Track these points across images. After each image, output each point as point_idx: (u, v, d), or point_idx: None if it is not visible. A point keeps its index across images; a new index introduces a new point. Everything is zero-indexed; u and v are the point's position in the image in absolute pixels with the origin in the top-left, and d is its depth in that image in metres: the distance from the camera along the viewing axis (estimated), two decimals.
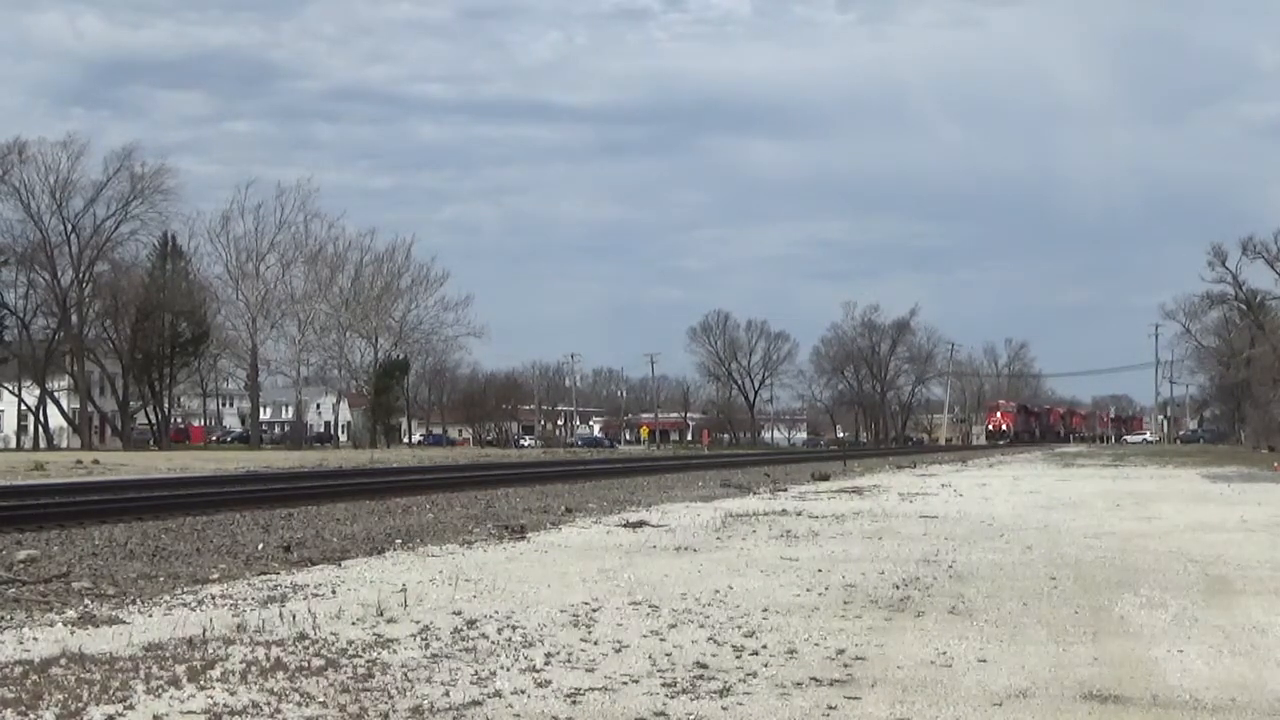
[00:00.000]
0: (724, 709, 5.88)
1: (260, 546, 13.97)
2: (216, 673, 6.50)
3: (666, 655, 7.08)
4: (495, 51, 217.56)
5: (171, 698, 6.00)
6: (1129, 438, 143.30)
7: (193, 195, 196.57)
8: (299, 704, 5.90)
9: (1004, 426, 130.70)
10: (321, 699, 5.99)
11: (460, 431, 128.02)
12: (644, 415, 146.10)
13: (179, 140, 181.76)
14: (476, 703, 5.94)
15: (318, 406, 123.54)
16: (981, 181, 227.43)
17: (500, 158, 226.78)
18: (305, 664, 6.77)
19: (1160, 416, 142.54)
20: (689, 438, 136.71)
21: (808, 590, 9.73)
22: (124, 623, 8.15)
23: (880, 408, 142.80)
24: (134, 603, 9.18)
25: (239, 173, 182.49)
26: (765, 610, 8.68)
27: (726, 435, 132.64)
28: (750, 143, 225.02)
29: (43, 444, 78.56)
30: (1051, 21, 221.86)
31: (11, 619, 8.49)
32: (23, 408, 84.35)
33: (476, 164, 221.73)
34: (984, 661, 6.97)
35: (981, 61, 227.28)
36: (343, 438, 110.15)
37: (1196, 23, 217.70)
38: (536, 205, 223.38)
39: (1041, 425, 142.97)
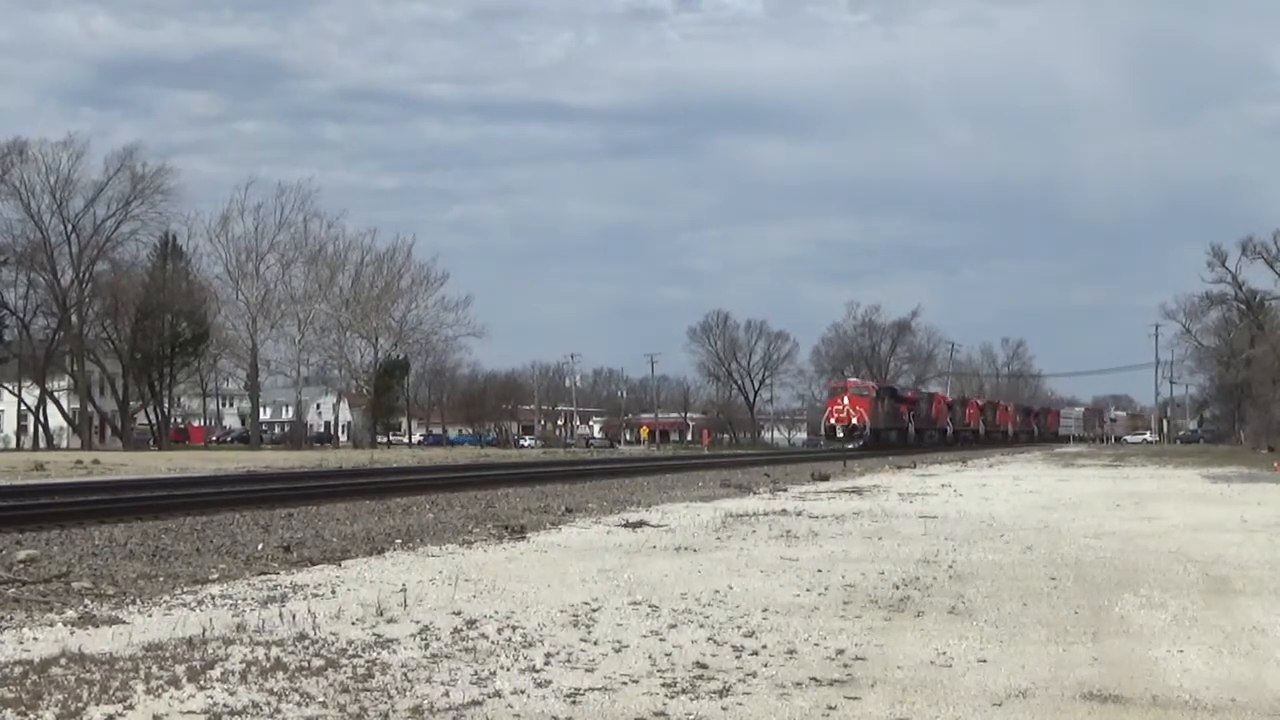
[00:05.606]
0: (724, 709, 5.88)
1: (260, 546, 13.96)
2: (216, 673, 6.50)
3: (666, 655, 7.08)
4: (506, 52, 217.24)
5: (171, 698, 6.00)
6: (1129, 437, 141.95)
7: (201, 196, 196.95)
8: (299, 704, 5.90)
9: (854, 420, 79.16)
10: (321, 699, 5.99)
11: (460, 431, 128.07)
12: (644, 415, 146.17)
13: (188, 140, 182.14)
14: (476, 703, 5.94)
15: (318, 406, 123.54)
16: (988, 182, 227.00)
17: (507, 158, 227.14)
18: (305, 664, 6.77)
19: (1157, 417, 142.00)
20: (689, 438, 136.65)
21: (807, 590, 9.73)
22: (124, 623, 8.15)
23: None
24: (134, 603, 9.18)
25: (248, 173, 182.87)
26: (765, 610, 8.67)
27: (726, 435, 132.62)
28: (758, 143, 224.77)
29: (43, 444, 78.57)
30: (1062, 21, 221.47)
31: (11, 619, 8.48)
32: (23, 408, 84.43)
33: (483, 164, 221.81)
34: (984, 661, 6.97)
35: (991, 62, 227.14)
36: (343, 438, 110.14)
37: (1207, 23, 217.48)
38: (542, 205, 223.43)
39: (919, 420, 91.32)
